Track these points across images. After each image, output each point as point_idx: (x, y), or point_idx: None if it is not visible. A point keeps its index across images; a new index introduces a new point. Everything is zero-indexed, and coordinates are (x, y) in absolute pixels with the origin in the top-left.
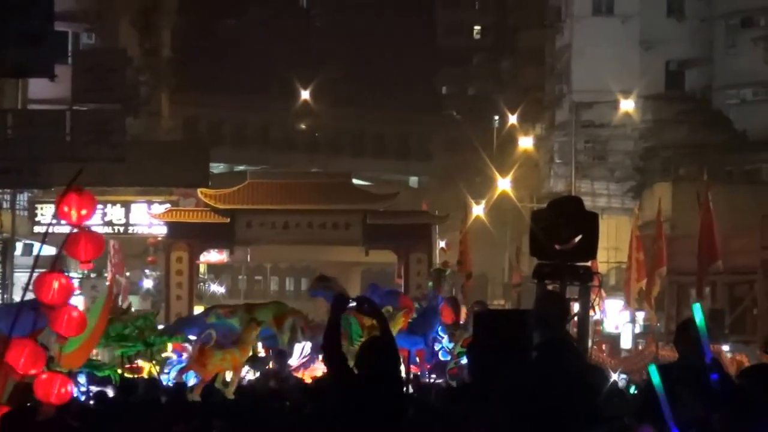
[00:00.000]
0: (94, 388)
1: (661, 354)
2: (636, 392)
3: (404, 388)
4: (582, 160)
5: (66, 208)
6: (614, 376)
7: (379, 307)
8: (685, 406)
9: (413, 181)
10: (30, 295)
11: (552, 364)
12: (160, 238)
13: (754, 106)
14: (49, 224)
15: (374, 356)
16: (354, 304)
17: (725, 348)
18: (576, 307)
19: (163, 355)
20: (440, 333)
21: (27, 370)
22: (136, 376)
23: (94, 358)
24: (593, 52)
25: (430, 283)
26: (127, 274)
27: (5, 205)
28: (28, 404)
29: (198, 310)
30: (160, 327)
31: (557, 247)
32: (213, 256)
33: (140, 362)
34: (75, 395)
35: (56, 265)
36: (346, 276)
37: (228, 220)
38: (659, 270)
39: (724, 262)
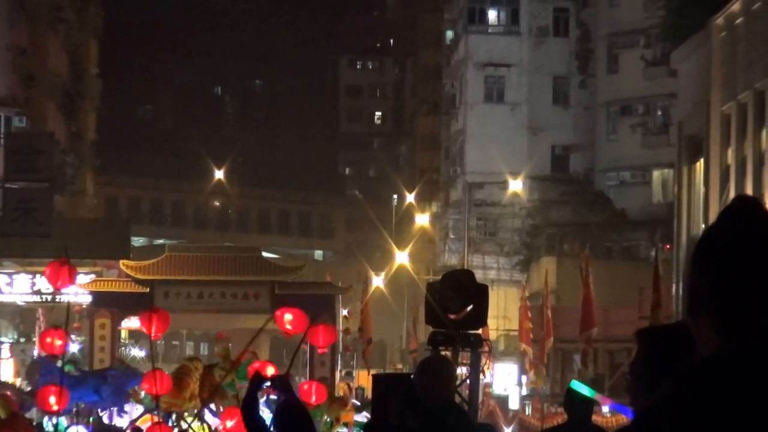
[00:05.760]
0: None
1: (549, 411)
2: None
3: None
4: (474, 236)
5: None
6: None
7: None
8: None
9: (318, 254)
10: None
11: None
12: (84, 306)
13: (632, 187)
14: None
15: (289, 421)
16: (269, 383)
17: (605, 409)
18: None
19: None
20: None
21: None
22: None
23: None
24: (485, 137)
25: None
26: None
27: None
28: None
29: None
30: None
31: (450, 316)
32: (133, 322)
33: None
34: None
35: None
36: (255, 342)
37: (147, 289)
38: (548, 340)
39: (604, 331)
